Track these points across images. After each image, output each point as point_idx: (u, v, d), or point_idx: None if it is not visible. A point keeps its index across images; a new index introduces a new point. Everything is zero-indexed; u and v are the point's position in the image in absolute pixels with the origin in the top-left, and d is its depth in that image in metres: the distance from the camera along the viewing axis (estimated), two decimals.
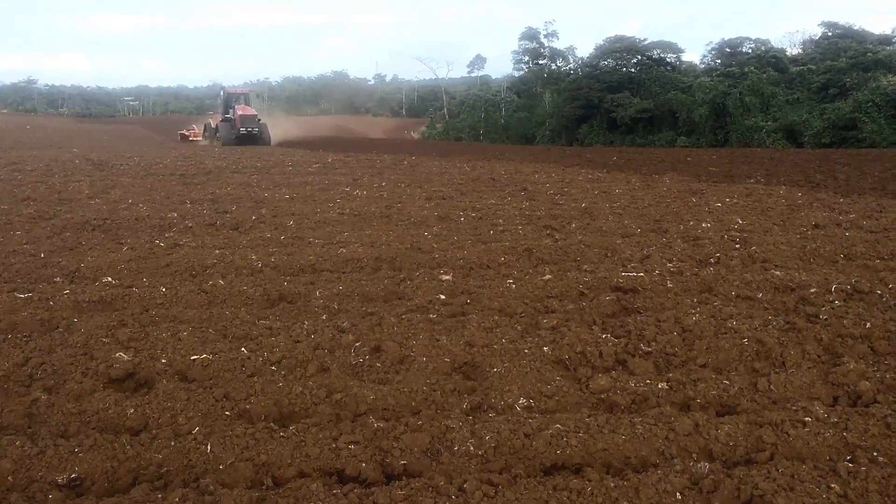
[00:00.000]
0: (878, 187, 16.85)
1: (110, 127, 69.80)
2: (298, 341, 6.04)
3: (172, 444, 4.34)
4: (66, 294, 7.59)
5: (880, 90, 38.36)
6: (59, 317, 6.89)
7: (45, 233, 11.31)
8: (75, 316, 6.94)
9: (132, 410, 4.85)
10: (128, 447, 4.29)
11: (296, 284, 8.00)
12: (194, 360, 5.70)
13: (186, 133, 46.63)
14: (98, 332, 6.30)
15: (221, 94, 43.34)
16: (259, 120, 39.36)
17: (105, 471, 4.14)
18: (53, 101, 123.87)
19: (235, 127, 38.61)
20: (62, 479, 4.06)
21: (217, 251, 9.66)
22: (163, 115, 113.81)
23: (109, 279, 8.36)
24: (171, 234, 11.25)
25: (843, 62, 44.25)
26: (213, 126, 41.83)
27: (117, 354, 5.73)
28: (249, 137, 38.27)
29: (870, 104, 38.20)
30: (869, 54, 44.55)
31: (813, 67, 46.30)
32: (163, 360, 5.70)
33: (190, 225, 11.97)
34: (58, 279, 8.40)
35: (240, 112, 39.00)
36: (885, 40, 51.68)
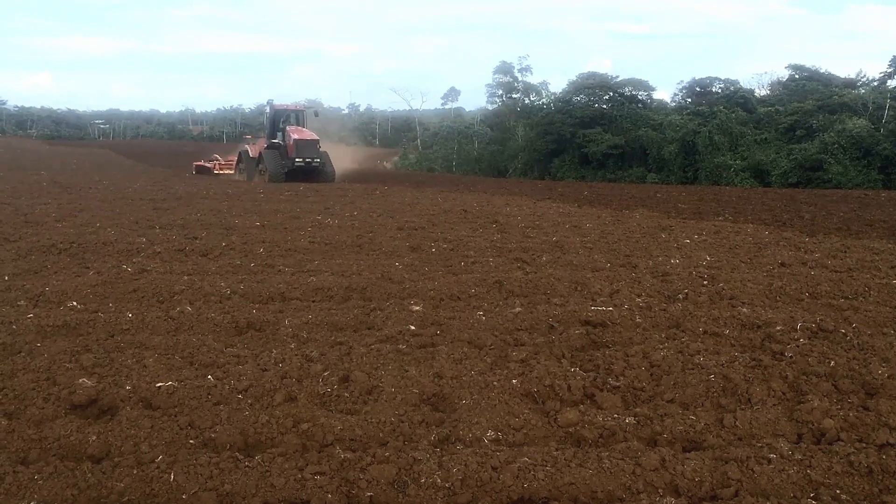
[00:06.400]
0: (842, 227, 17.16)
1: (80, 150, 69.08)
2: (266, 370, 5.99)
3: (135, 472, 4.26)
4: (30, 318, 7.47)
5: (846, 133, 39.33)
6: (22, 341, 6.78)
7: (9, 255, 11.13)
8: (38, 340, 6.84)
9: (94, 437, 4.76)
10: (89, 475, 4.22)
11: (265, 312, 7.94)
12: (159, 387, 5.62)
13: (208, 164, 36.52)
14: (61, 357, 6.21)
15: (267, 111, 32.36)
16: (320, 147, 29.85)
17: (65, 499, 4.05)
18: (22, 123, 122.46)
19: (289, 156, 29.12)
20: None
21: (185, 277, 9.57)
22: (134, 139, 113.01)
23: (74, 304, 8.25)
24: (139, 258, 11.13)
25: (810, 104, 45.30)
26: (251, 155, 31.55)
27: (80, 380, 5.63)
28: (307, 171, 29.19)
29: (835, 146, 39.13)
30: (835, 97, 45.71)
31: (780, 108, 47.40)
32: (127, 387, 5.62)
33: (158, 250, 11.84)
34: (21, 302, 8.26)
35: (294, 136, 29.26)
36: (849, 84, 53.09)
